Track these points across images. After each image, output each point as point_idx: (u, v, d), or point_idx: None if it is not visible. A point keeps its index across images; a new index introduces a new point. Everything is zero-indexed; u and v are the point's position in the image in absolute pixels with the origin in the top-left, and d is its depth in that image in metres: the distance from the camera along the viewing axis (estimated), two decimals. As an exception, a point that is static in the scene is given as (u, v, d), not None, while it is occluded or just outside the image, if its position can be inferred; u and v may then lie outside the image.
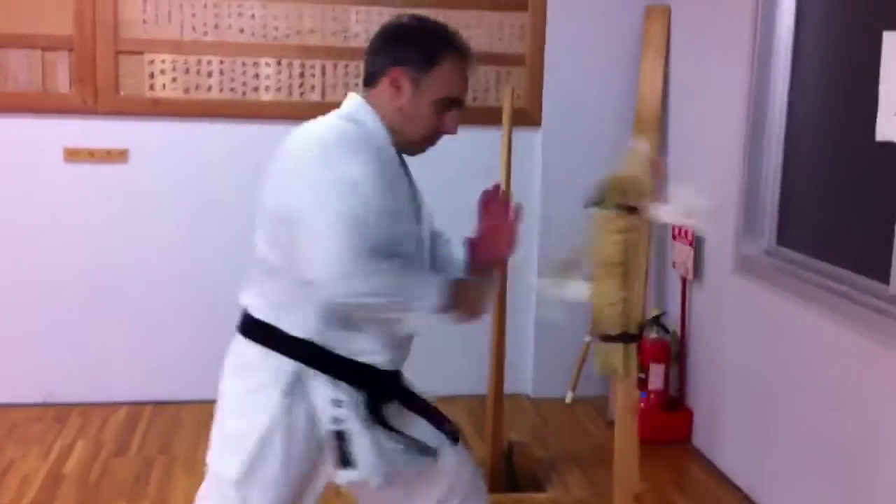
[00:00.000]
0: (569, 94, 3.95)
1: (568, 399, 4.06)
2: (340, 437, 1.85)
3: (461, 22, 3.87)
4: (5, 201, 3.74)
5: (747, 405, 3.24)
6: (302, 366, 1.88)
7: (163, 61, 3.74)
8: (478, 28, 3.90)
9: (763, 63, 3.17)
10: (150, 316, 3.89)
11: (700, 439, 3.60)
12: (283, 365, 1.87)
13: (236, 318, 1.98)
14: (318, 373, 1.88)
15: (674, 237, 3.65)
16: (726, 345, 3.38)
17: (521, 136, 3.76)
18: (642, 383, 3.51)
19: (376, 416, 1.90)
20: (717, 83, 3.47)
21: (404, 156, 1.99)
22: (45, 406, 3.83)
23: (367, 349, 1.89)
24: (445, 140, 3.89)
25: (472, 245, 2.03)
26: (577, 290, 2.06)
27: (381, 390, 1.95)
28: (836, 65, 3.01)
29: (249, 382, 1.90)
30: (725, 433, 3.40)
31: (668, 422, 3.62)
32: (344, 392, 1.88)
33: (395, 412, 1.97)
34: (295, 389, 1.87)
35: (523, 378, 4.14)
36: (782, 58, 3.16)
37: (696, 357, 3.62)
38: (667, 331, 3.68)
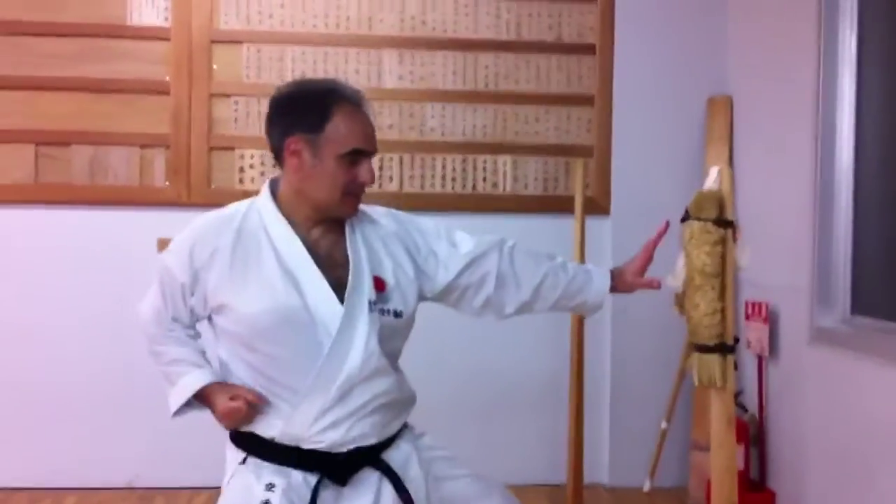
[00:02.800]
0: (636, 182, 4.08)
1: (646, 488, 4.01)
2: None
3: (530, 116, 4.08)
4: (100, 288, 3.93)
5: (834, 480, 3.19)
6: (244, 454, 2.01)
7: (252, 156, 3.98)
8: (546, 122, 4.10)
9: (827, 141, 3.27)
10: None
11: (785, 521, 3.53)
12: (231, 455, 2.05)
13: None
14: (258, 459, 1.99)
15: (747, 317, 3.68)
16: (808, 420, 3.36)
17: (591, 223, 3.89)
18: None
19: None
20: (782, 165, 3.57)
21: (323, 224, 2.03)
22: (131, 489, 3.92)
23: (269, 425, 1.98)
24: (518, 227, 4.06)
25: (621, 274, 2.23)
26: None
27: (336, 473, 1.96)
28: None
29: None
30: (811, 513, 3.34)
31: None
32: (284, 477, 1.94)
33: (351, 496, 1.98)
34: (236, 477, 2.00)
35: (599, 467, 4.11)
36: (845, 135, 3.25)
37: (777, 435, 3.59)
38: (745, 410, 3.66)
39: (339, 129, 1.95)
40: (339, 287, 1.97)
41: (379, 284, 2.02)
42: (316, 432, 1.95)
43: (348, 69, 4.01)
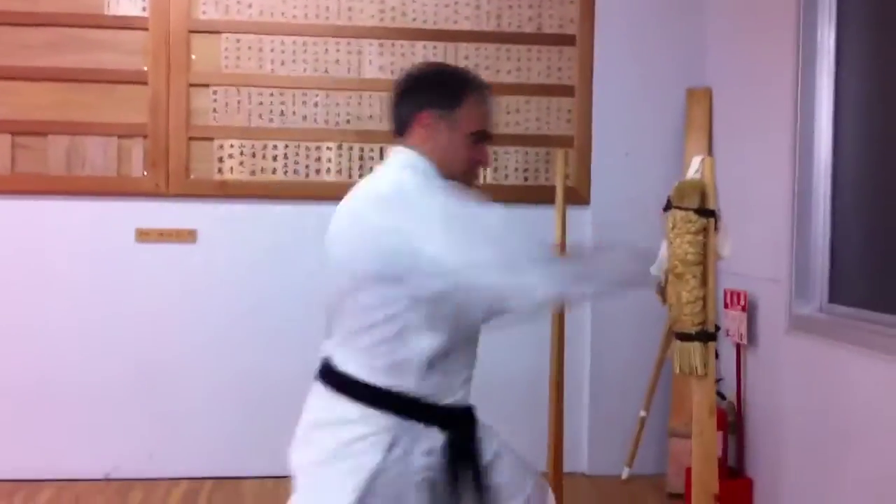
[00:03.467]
0: (616, 172, 4.10)
1: (624, 475, 4.02)
2: (433, 485, 1.93)
3: (511, 106, 4.09)
4: (78, 280, 3.91)
5: (811, 467, 3.22)
6: (398, 419, 1.95)
7: (231, 146, 3.97)
8: (526, 112, 4.10)
9: (805, 133, 3.30)
10: (210, 393, 3.98)
11: (762, 508, 3.56)
12: (382, 420, 1.93)
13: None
14: (414, 423, 1.95)
15: (726, 305, 3.71)
16: (785, 407, 3.39)
17: (572, 213, 3.87)
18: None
19: (459, 461, 1.97)
20: (761, 156, 3.59)
21: None
22: (108, 481, 3.90)
23: (453, 390, 2.00)
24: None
25: None
26: None
27: (462, 430, 2.02)
28: (877, 128, 3.14)
29: (344, 437, 1.94)
30: (789, 500, 3.37)
31: (728, 491, 3.57)
32: (433, 440, 1.96)
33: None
34: (393, 443, 1.93)
35: (579, 456, 4.13)
36: (824, 126, 3.28)
37: (754, 423, 3.62)
38: (723, 397, 3.69)
39: (470, 109, 2.06)
40: None
41: None
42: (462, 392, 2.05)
43: (328, 59, 4.00)
